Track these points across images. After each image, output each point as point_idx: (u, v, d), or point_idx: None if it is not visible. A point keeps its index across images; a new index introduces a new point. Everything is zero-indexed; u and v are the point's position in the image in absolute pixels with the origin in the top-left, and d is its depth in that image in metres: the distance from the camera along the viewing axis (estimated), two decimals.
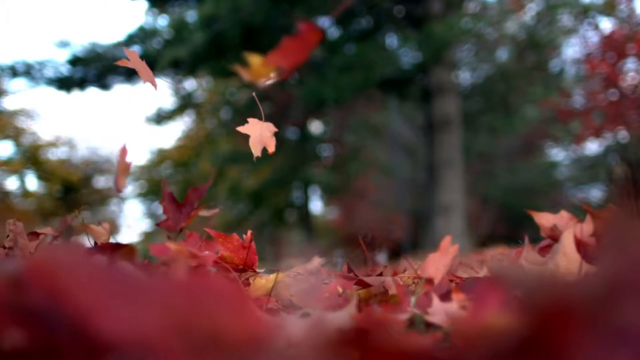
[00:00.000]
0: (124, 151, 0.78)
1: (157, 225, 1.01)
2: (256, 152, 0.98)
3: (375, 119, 14.38)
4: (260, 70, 0.56)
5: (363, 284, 0.82)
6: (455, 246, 0.83)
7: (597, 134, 9.37)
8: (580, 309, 0.27)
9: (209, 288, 0.30)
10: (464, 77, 12.64)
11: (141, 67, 0.92)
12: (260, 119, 1.01)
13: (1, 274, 0.31)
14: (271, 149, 0.98)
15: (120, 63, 0.90)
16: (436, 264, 0.81)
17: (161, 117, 13.78)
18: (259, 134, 0.99)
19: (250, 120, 1.00)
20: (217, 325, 0.29)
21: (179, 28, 9.76)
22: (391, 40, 10.81)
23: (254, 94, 0.98)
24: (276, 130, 1.01)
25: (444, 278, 0.79)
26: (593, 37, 9.60)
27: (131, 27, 19.16)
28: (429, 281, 0.78)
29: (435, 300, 0.63)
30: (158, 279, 0.30)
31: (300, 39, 0.55)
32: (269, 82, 0.58)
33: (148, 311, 0.28)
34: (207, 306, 0.29)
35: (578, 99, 10.18)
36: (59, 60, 10.48)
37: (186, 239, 0.99)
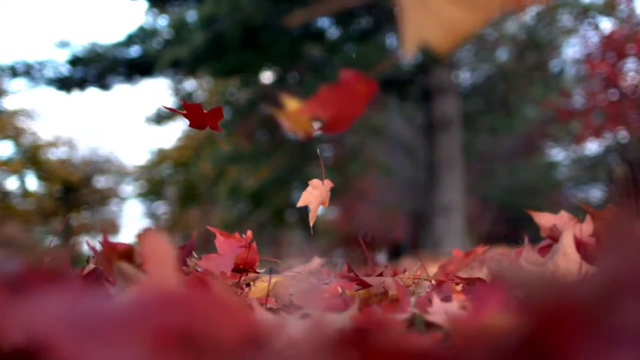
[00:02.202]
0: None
1: None
2: (313, 219, 0.91)
3: (375, 119, 14.37)
4: (297, 117, 0.48)
5: (363, 284, 0.82)
6: (484, 249, 0.83)
7: (597, 134, 9.37)
8: (580, 309, 0.27)
9: (201, 299, 0.30)
10: (464, 77, 12.63)
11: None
12: (321, 179, 0.91)
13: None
14: (326, 204, 0.92)
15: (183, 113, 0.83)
16: (457, 263, 0.81)
17: (161, 117, 13.79)
18: (319, 199, 0.91)
19: (311, 183, 0.93)
20: (214, 334, 0.29)
21: (179, 28, 9.76)
22: (391, 40, 10.81)
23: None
24: (333, 185, 0.94)
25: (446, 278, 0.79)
26: (593, 37, 9.60)
27: (131, 27, 19.16)
28: (444, 277, 0.78)
29: (436, 300, 0.63)
30: (143, 300, 0.29)
31: (343, 89, 0.47)
32: (311, 134, 0.50)
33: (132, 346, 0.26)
34: (201, 319, 0.29)
35: (578, 99, 10.18)
36: (59, 60, 10.50)
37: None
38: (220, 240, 0.97)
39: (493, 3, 0.38)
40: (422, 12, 0.39)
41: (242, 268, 0.96)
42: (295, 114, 0.48)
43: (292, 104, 0.48)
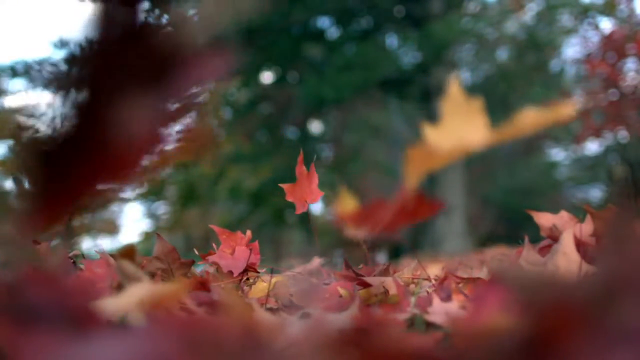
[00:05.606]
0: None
1: None
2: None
3: (375, 119, 14.36)
4: (349, 219, 0.47)
5: (363, 284, 0.82)
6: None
7: (597, 134, 9.36)
8: (580, 309, 0.27)
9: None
10: (464, 77, 12.63)
11: None
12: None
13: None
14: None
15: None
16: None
17: None
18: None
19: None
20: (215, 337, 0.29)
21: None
22: (391, 40, 10.81)
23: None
24: None
25: (446, 278, 0.79)
26: (593, 37, 9.59)
27: None
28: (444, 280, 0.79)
29: (436, 300, 0.63)
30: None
31: (400, 207, 0.46)
32: (356, 235, 0.49)
33: None
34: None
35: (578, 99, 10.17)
36: None
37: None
38: (224, 238, 0.98)
39: (510, 132, 0.38)
40: (430, 153, 0.39)
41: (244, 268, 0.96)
42: (348, 217, 0.47)
43: (348, 202, 0.48)
